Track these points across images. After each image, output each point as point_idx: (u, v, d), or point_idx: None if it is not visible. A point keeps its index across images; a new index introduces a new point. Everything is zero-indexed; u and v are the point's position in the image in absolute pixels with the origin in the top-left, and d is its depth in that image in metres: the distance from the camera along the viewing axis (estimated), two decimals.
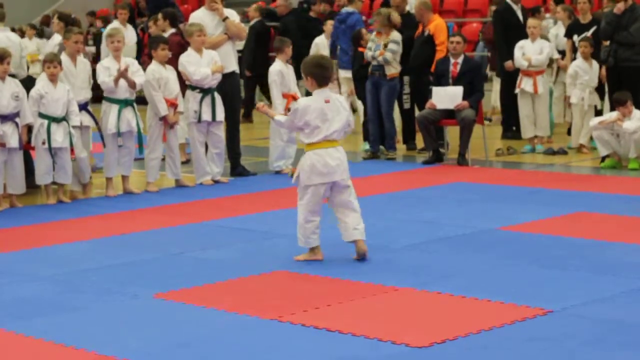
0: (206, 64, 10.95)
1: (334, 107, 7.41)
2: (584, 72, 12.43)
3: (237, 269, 7.32)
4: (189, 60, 10.98)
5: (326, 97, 7.41)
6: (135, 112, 10.62)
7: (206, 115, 10.96)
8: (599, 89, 12.64)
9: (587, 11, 12.97)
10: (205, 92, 10.98)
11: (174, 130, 10.98)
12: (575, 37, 12.94)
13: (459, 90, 12.05)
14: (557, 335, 5.59)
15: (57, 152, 10.09)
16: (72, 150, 10.17)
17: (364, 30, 13.39)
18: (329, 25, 15.54)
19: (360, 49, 13.14)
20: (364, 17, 15.41)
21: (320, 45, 15.84)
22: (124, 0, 14.28)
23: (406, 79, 13.07)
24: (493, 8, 16.02)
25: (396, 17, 12.64)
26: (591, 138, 12.28)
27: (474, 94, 12.14)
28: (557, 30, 13.87)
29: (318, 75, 7.42)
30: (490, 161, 12.34)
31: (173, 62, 11.24)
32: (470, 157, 12.07)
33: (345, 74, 14.27)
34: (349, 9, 14.45)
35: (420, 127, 12.31)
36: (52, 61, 10.13)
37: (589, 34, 12.76)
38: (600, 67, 12.49)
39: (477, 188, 10.52)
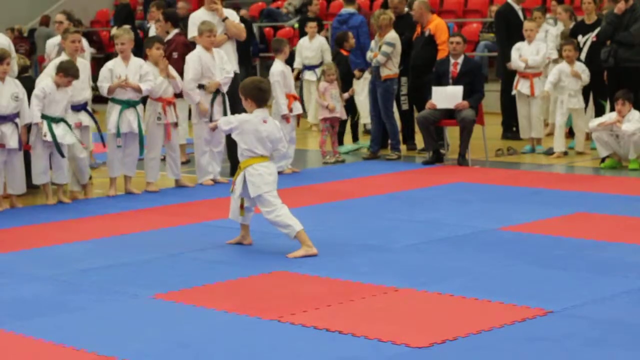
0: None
1: (269, 129, 7.83)
2: (566, 76, 12.38)
3: (237, 269, 7.32)
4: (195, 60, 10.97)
5: (264, 118, 7.84)
6: (137, 113, 10.60)
7: (218, 115, 10.90)
8: (602, 92, 12.62)
9: (591, 11, 12.94)
10: (216, 92, 10.98)
11: (176, 131, 10.99)
12: (580, 38, 12.92)
13: (458, 89, 12.05)
14: (557, 335, 5.59)
15: (53, 152, 10.08)
16: (81, 143, 10.23)
17: (350, 34, 13.43)
18: (310, 27, 15.63)
19: (342, 51, 13.19)
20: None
21: (304, 46, 15.82)
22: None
23: (403, 79, 13.07)
24: (494, 8, 16.03)
25: (383, 19, 12.63)
26: (589, 139, 12.29)
27: (474, 94, 12.13)
28: (558, 31, 13.86)
29: (257, 97, 7.88)
30: (490, 161, 12.34)
31: (179, 62, 11.24)
32: (470, 158, 12.07)
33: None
34: (349, 9, 14.44)
35: (421, 127, 12.30)
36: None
37: (593, 34, 12.73)
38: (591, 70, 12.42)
39: (477, 188, 10.52)
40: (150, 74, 10.65)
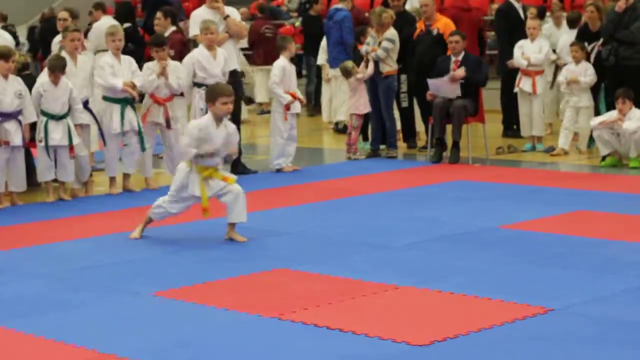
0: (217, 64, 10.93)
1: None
2: (582, 75, 12.36)
3: (238, 267, 7.32)
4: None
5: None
6: (134, 110, 10.64)
7: None
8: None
9: (595, 19, 12.82)
10: None
11: (174, 129, 10.96)
12: (586, 45, 12.85)
13: (459, 71, 12.06)
14: (558, 333, 5.59)
15: (57, 150, 10.10)
16: (71, 148, 10.14)
17: (369, 29, 13.42)
18: None
19: (359, 46, 13.17)
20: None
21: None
22: None
23: (403, 77, 13.04)
24: (494, 6, 16.00)
25: (385, 17, 12.62)
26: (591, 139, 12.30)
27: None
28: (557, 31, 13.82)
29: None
30: (490, 159, 12.34)
31: (175, 59, 11.21)
32: (470, 156, 12.05)
33: (333, 73, 14.48)
34: (337, 5, 14.76)
35: (435, 113, 12.16)
36: None
37: (599, 43, 12.58)
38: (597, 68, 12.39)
39: (477, 186, 10.52)
40: (139, 71, 10.70)
